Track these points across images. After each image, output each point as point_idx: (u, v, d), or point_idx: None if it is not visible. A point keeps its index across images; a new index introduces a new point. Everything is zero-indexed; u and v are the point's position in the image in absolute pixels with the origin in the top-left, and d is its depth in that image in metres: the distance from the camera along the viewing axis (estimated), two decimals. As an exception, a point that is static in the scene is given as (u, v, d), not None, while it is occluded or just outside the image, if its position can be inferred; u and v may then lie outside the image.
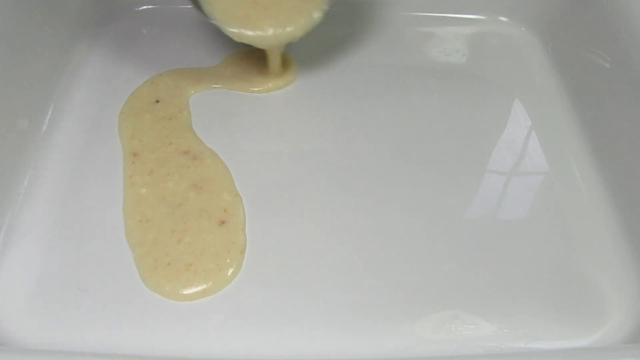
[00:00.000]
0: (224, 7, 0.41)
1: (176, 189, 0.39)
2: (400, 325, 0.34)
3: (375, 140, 0.42)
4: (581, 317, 0.34)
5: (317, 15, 0.41)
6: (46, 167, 0.40)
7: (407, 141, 0.42)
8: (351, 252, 0.37)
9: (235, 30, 0.40)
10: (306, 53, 0.48)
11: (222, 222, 0.38)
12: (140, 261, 0.36)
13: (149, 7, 0.51)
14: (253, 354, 0.32)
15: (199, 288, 0.35)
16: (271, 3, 0.41)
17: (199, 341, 0.33)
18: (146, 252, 0.36)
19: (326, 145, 0.42)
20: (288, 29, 0.41)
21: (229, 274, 0.36)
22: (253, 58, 0.47)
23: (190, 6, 0.42)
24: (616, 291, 0.35)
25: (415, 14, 0.52)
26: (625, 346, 0.33)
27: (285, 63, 0.46)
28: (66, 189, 0.39)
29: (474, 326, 0.34)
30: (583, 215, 0.39)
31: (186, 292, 0.35)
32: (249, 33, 0.40)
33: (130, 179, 0.40)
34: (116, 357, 0.30)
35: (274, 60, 0.44)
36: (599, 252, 0.37)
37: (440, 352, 0.33)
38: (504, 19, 0.52)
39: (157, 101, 0.44)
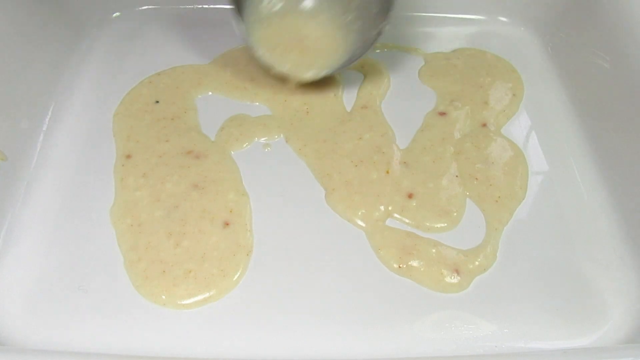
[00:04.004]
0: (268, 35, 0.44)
1: (174, 190, 0.39)
2: (400, 325, 0.34)
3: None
4: (581, 317, 0.34)
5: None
6: (46, 167, 0.40)
7: (408, 141, 0.42)
8: (353, 252, 0.37)
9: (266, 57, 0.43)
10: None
11: (227, 224, 0.37)
12: (131, 268, 0.35)
13: (149, 7, 0.51)
14: (253, 354, 0.32)
15: (200, 297, 0.34)
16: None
17: (201, 341, 0.33)
18: (137, 259, 0.36)
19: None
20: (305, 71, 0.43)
21: (234, 279, 0.35)
22: (248, 58, 0.47)
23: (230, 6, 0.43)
24: (616, 291, 0.35)
25: (415, 14, 0.52)
26: (625, 346, 0.33)
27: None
28: (66, 189, 0.39)
29: (474, 326, 0.34)
30: (583, 215, 0.39)
31: (185, 302, 0.34)
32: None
33: (121, 182, 0.39)
34: (116, 357, 0.30)
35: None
36: (599, 252, 0.37)
37: (439, 352, 0.33)
38: (504, 19, 0.52)
39: (157, 101, 0.44)
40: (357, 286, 0.35)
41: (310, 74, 0.43)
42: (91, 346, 0.32)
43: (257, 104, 0.45)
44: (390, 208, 0.38)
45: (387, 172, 0.40)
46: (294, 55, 0.43)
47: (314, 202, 0.39)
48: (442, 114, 0.44)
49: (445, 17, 0.52)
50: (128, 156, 0.41)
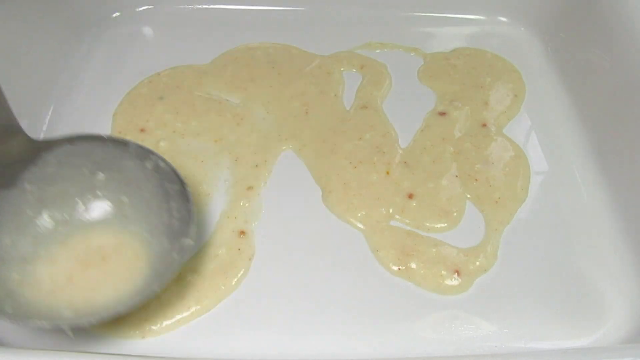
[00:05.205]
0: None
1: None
2: (400, 325, 0.34)
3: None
4: (581, 317, 0.34)
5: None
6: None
7: (407, 141, 0.42)
8: (353, 254, 0.37)
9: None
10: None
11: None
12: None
13: (149, 7, 0.51)
14: (254, 354, 0.32)
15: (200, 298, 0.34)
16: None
17: (202, 343, 0.33)
18: None
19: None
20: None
21: (234, 281, 0.35)
22: (247, 57, 0.47)
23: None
24: (616, 291, 0.35)
25: (415, 14, 0.52)
26: (625, 346, 0.33)
27: None
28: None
29: (474, 326, 0.34)
30: (583, 215, 0.39)
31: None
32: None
33: None
34: (116, 357, 0.30)
35: None
36: (599, 252, 0.37)
37: (440, 352, 0.33)
38: (504, 19, 0.52)
39: (161, 97, 0.44)
40: (357, 287, 0.35)
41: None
42: (91, 346, 0.32)
43: (257, 103, 0.45)
44: (391, 210, 0.38)
45: (387, 172, 0.40)
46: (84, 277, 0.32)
47: (314, 204, 0.39)
48: (442, 114, 0.44)
49: (445, 17, 0.52)
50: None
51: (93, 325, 0.31)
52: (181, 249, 0.32)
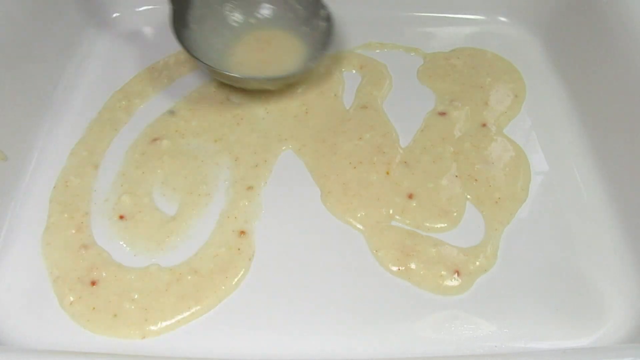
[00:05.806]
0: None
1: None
2: (400, 325, 0.34)
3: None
4: (581, 317, 0.34)
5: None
6: (46, 167, 0.40)
7: (407, 141, 0.43)
8: (353, 254, 0.37)
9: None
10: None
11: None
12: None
13: (148, 7, 0.51)
14: (254, 354, 0.32)
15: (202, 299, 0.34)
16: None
17: (202, 341, 0.33)
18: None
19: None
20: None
21: (234, 282, 0.35)
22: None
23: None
24: (616, 291, 0.35)
25: (415, 14, 0.52)
26: (625, 346, 0.33)
27: None
28: (66, 189, 0.39)
29: (474, 326, 0.34)
30: (583, 215, 0.39)
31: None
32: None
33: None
34: (116, 357, 0.30)
35: None
36: (598, 252, 0.37)
37: (440, 352, 0.33)
38: (504, 19, 0.52)
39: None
40: (357, 287, 0.35)
41: (281, 72, 0.44)
42: (92, 346, 0.32)
43: (257, 103, 0.45)
44: (391, 211, 0.38)
45: (387, 172, 0.40)
46: (262, 56, 0.46)
47: (313, 204, 0.39)
48: (442, 114, 0.44)
49: (445, 17, 0.52)
50: None
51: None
52: (322, 29, 0.46)
